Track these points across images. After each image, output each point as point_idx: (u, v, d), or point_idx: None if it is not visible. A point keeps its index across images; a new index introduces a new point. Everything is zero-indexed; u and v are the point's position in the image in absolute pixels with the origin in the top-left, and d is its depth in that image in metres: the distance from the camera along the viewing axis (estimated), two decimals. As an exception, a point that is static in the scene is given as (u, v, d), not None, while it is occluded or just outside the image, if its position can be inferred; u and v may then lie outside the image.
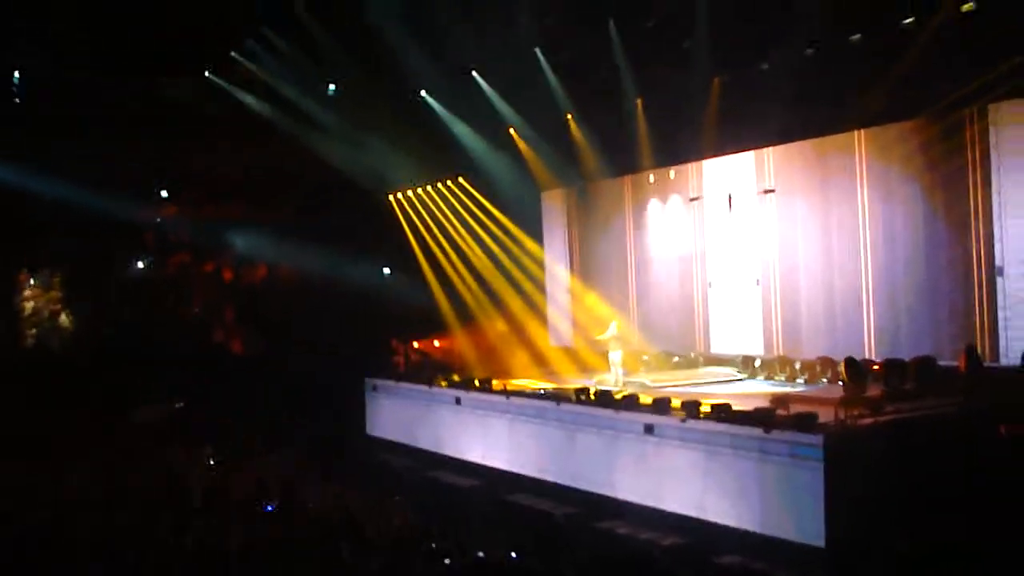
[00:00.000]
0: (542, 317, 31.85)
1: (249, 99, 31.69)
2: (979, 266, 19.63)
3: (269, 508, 18.94)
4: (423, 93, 30.85)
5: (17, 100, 31.12)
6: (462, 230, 33.10)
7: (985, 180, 19.45)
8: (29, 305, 33.06)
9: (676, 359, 27.86)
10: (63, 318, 33.17)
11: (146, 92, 31.55)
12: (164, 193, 34.83)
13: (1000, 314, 19.29)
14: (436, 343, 33.60)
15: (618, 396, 21.79)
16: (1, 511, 19.01)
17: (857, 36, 22.13)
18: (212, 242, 34.89)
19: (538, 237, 31.99)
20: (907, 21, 21.14)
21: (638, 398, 21.26)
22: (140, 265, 35.06)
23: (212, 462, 25.55)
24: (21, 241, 32.34)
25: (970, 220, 19.75)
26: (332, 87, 31.80)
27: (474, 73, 29.60)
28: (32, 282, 33.21)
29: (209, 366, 32.48)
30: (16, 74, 30.79)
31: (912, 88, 20.54)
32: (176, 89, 31.69)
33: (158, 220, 34.89)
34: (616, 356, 25.25)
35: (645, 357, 28.21)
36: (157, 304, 34.59)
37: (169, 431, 29.66)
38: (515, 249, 32.06)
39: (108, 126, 31.18)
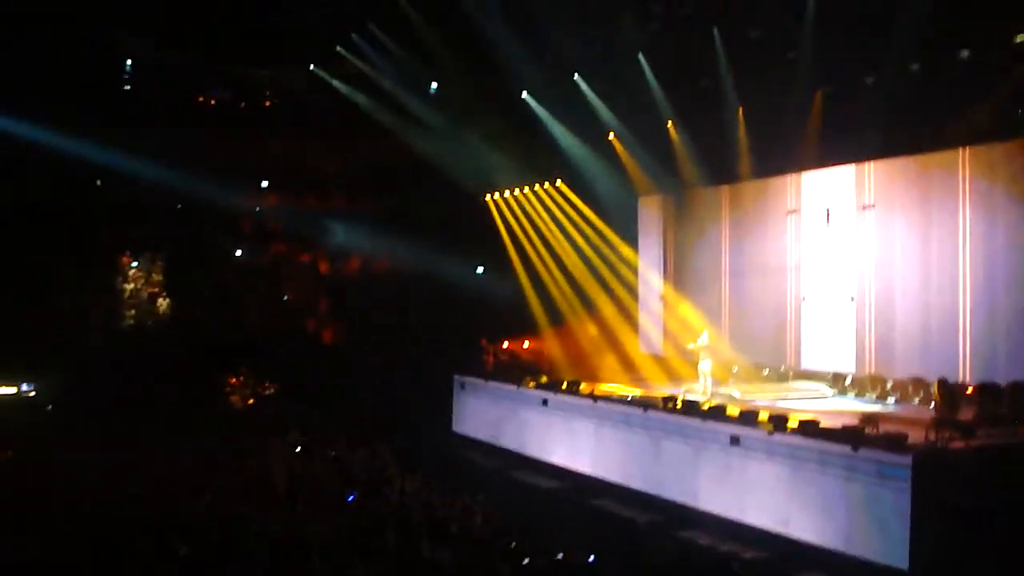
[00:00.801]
0: (633, 323, 31.78)
1: (352, 93, 32.04)
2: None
3: (351, 498, 19.14)
4: (525, 95, 30.96)
5: (128, 87, 31.81)
6: (558, 233, 33.17)
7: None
8: (129, 288, 33.76)
9: (766, 372, 27.63)
10: (161, 302, 33.82)
11: (252, 83, 32.09)
12: (264, 183, 35.31)
13: (1102, 342, 18.88)
14: (526, 344, 33.70)
15: (705, 406, 21.70)
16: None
17: (966, 52, 21.76)
18: (309, 233, 35.33)
19: (633, 243, 31.93)
20: (1019, 38, 20.74)
21: (725, 409, 21.15)
22: (239, 253, 35.59)
23: (298, 450, 25.83)
24: (124, 225, 33.02)
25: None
26: (434, 85, 32.06)
27: (577, 76, 29.63)
28: (134, 265, 33.89)
29: (300, 355, 32.89)
30: (128, 61, 31.47)
31: (1021, 106, 20.16)
32: (282, 80, 32.19)
33: (257, 209, 35.40)
34: (705, 366, 25.09)
35: (735, 369, 27.99)
36: (253, 292, 35.10)
37: (258, 417, 30.09)
38: (609, 254, 32.05)
39: (212, 115, 31.79)
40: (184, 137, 31.12)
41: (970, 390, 20.07)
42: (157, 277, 34.14)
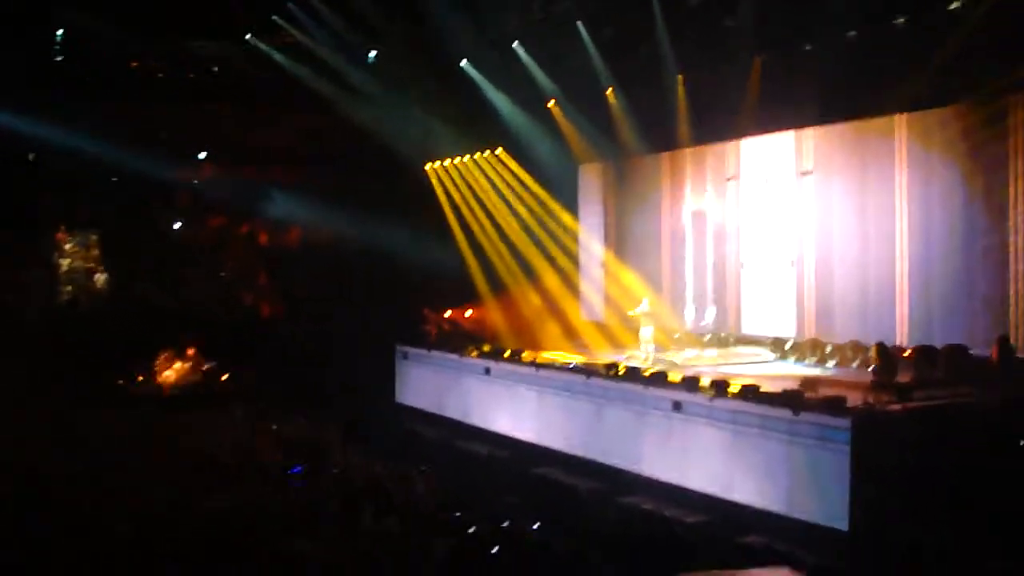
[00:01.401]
0: (575, 291, 31.86)
1: (289, 63, 31.71)
2: (1016, 256, 19.47)
3: (295, 470, 19.07)
4: (464, 63, 30.81)
5: (59, 58, 31.25)
6: (498, 201, 33.11)
7: (1026, 169, 19.29)
8: (66, 263, 33.28)
9: (707, 338, 27.81)
10: (98, 277, 33.40)
11: (187, 53, 31.68)
12: (202, 155, 34.93)
13: (1035, 305, 19.17)
14: (468, 313, 33.66)
15: (647, 372, 21.81)
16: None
17: (902, 19, 21.90)
18: (248, 205, 35.01)
19: (574, 210, 31.97)
20: (954, 5, 20.90)
21: (667, 375, 21.25)
22: (176, 226, 35.20)
23: (240, 424, 25.69)
24: (60, 199, 32.53)
25: (1009, 209, 19.59)
26: (372, 54, 31.81)
27: (515, 44, 29.52)
28: (70, 241, 33.42)
29: (240, 329, 32.66)
30: (59, 32, 30.91)
31: (956, 73, 20.32)
32: (217, 51, 31.79)
33: (195, 182, 35.03)
34: (647, 332, 25.20)
35: (676, 335, 28.17)
36: (191, 265, 34.75)
37: (198, 392, 29.89)
38: (550, 222, 32.05)
39: (148, 87, 31.36)
40: (119, 109, 30.69)
41: (907, 353, 20.29)
42: (94, 252, 33.67)
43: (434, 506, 17.38)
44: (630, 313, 25.99)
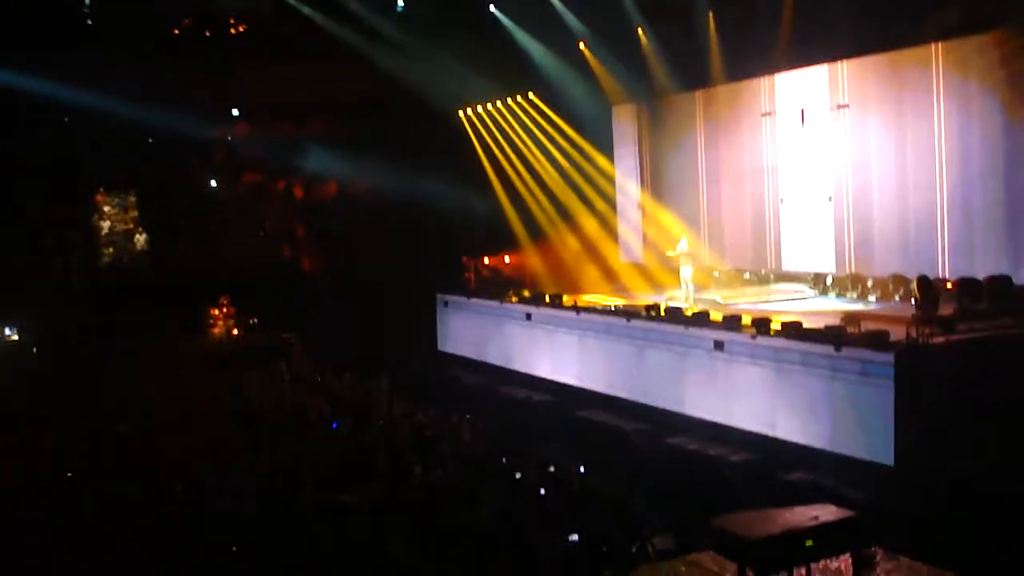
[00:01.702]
0: (613, 233, 31.81)
1: (320, 17, 31.63)
2: (1059, 184, 19.27)
3: (335, 425, 19.23)
4: (493, 8, 30.62)
5: (89, 21, 31.31)
6: (532, 147, 33.01)
7: (1066, 94, 19.02)
8: (106, 225, 33.51)
9: (747, 276, 27.76)
10: (138, 238, 33.63)
11: (219, 10, 31.64)
12: (235, 112, 35.00)
13: (1080, 233, 18.98)
14: (507, 259, 33.70)
15: (688, 313, 21.84)
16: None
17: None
18: (283, 160, 35.07)
19: (609, 153, 31.83)
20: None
21: (708, 315, 21.28)
22: (213, 184, 35.34)
23: (286, 379, 25.90)
24: (97, 162, 32.69)
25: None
26: (401, 3, 31.68)
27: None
28: (109, 203, 33.61)
29: (281, 284, 32.85)
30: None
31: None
32: (249, 7, 31.74)
33: (230, 139, 35.12)
34: (687, 272, 25.19)
35: (716, 274, 28.13)
36: (229, 223, 34.92)
37: (242, 349, 30.12)
38: (586, 165, 31.95)
39: (179, 46, 31.37)
40: (151, 70, 30.72)
41: (949, 285, 20.17)
42: (133, 213, 33.88)
43: (480, 453, 17.52)
44: (669, 253, 25.96)
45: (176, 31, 31.68)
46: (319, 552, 12.36)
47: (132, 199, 33.74)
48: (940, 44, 21.40)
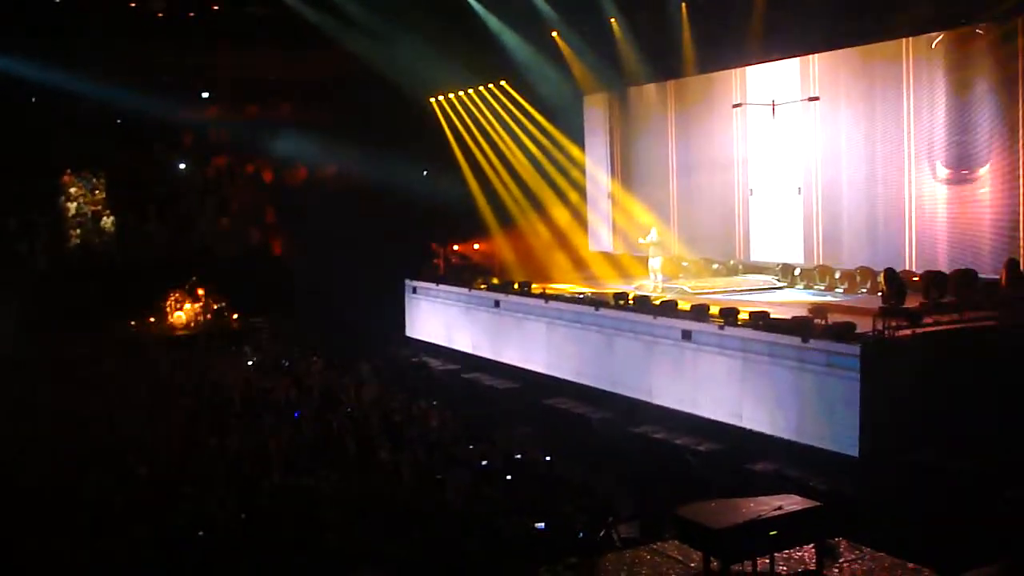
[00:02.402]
0: (583, 222, 31.83)
1: (291, 0, 31.42)
2: (1025, 178, 19.40)
3: (296, 415, 19.16)
4: (466, -6, 30.54)
5: (57, 0, 30.99)
6: (504, 134, 32.96)
7: (1035, 90, 19.13)
8: (73, 206, 33.23)
9: (716, 266, 27.85)
10: (105, 220, 33.37)
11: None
12: (205, 94, 34.78)
13: (1045, 227, 19.12)
14: (476, 246, 33.68)
15: (656, 302, 21.87)
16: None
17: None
18: (252, 143, 34.90)
19: (580, 142, 31.85)
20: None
21: (676, 304, 21.33)
22: (182, 166, 35.12)
23: (252, 363, 25.82)
24: (65, 143, 32.39)
25: (1018, 130, 19.45)
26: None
27: (517, -26, 29.23)
28: (76, 184, 33.30)
29: (250, 267, 32.70)
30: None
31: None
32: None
33: (198, 121, 34.91)
34: (655, 262, 25.27)
35: (685, 263, 28.22)
36: (198, 205, 34.72)
37: (210, 332, 30.00)
38: (556, 154, 31.93)
39: (149, 26, 31.11)
40: (120, 51, 30.48)
41: (916, 278, 20.31)
42: (100, 195, 33.61)
43: (447, 439, 17.54)
44: (640, 241, 25.97)
45: (145, 12, 31.30)
46: (285, 536, 12.34)
47: (100, 180, 33.47)
48: (911, 39, 21.51)
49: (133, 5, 31.25)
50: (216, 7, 31.79)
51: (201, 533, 12.55)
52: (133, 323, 30.44)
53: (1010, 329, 16.87)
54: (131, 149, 33.46)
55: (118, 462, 15.61)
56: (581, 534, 12.82)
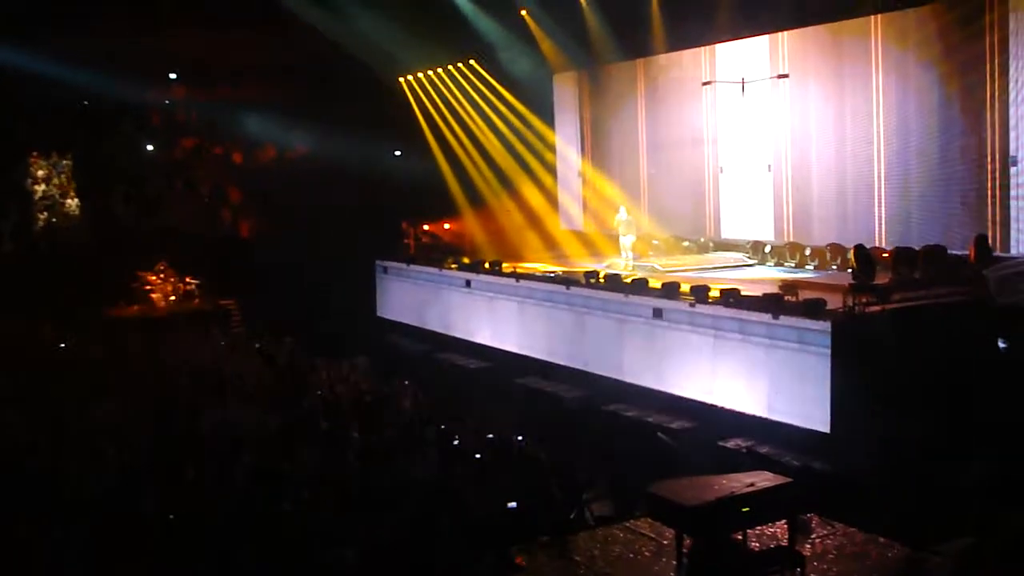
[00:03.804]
0: (553, 201, 31.81)
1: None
2: (993, 156, 19.48)
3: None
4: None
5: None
6: (474, 113, 32.87)
7: (1003, 68, 19.17)
8: (40, 189, 32.85)
9: (687, 244, 27.89)
10: (70, 202, 33.02)
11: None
12: (173, 75, 34.49)
13: (1012, 204, 19.19)
14: (446, 226, 33.61)
15: (628, 280, 21.87)
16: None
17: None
18: (221, 124, 34.65)
19: (550, 121, 31.80)
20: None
21: (647, 282, 21.35)
22: (149, 148, 34.82)
23: (223, 344, 25.70)
24: (30, 125, 32.06)
25: (985, 109, 19.54)
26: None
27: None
28: (42, 167, 32.91)
29: (220, 248, 32.50)
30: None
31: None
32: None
33: (166, 102, 34.63)
34: (627, 240, 25.27)
35: (656, 241, 28.25)
36: (167, 187, 34.45)
37: (181, 314, 29.84)
38: (527, 133, 31.86)
39: (116, 8, 30.79)
40: (86, 32, 30.17)
41: (886, 255, 20.40)
42: (66, 177, 33.25)
43: (419, 419, 17.51)
44: (618, 218, 25.86)
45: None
46: (256, 517, 12.29)
47: (66, 163, 33.12)
48: (880, 16, 21.56)
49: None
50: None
51: (172, 516, 12.48)
52: (101, 306, 30.17)
53: (978, 304, 16.95)
54: (98, 130, 33.13)
55: (88, 445, 15.49)
56: (555, 512, 12.84)
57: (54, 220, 32.79)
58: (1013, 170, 19.13)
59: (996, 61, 19.30)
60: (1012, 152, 19.14)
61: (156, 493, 13.08)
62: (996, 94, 19.31)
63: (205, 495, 13.12)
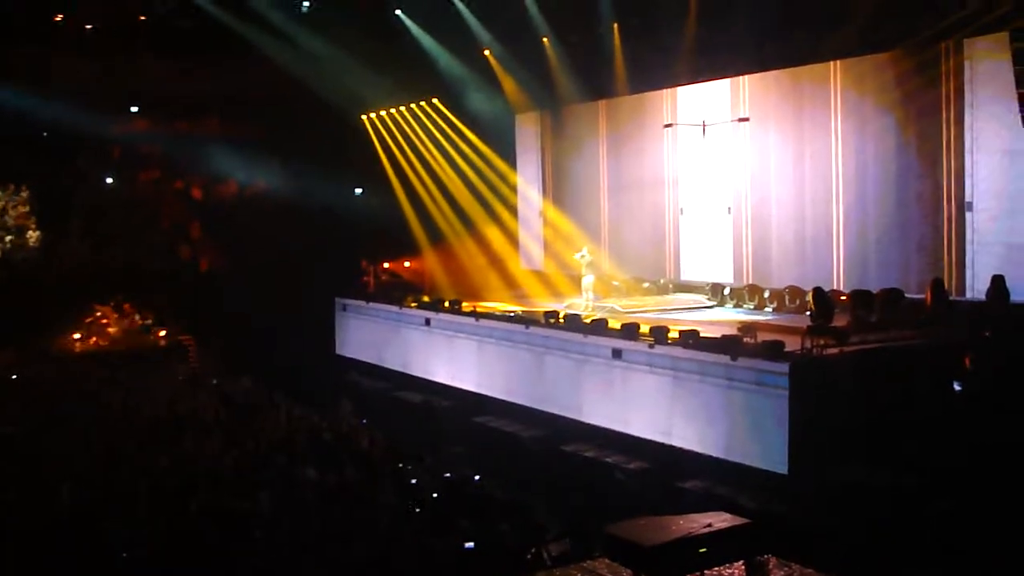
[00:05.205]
0: (514, 240, 31.84)
1: (222, 14, 31.10)
2: (949, 201, 19.75)
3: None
4: (399, 12, 30.44)
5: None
6: (435, 152, 32.86)
7: (958, 115, 19.48)
8: (-5, 219, 32.52)
9: (646, 285, 27.95)
10: (31, 234, 32.70)
11: (119, 6, 30.97)
12: (134, 108, 34.32)
13: (968, 249, 19.44)
14: (406, 264, 33.57)
15: (587, 320, 21.89)
16: None
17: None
18: (181, 158, 34.47)
19: (512, 160, 31.88)
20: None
21: (607, 323, 21.38)
22: (109, 180, 34.58)
23: (181, 382, 25.49)
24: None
25: (941, 155, 19.83)
26: (306, 4, 31.31)
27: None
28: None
29: (178, 284, 32.27)
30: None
31: (889, 20, 20.43)
32: (149, 3, 31.13)
33: (127, 136, 34.42)
34: (587, 281, 25.31)
35: (616, 282, 28.28)
36: (126, 220, 34.18)
37: (137, 349, 29.57)
38: (488, 172, 31.90)
39: (79, 39, 30.67)
40: (45, 63, 30.03)
41: (844, 297, 20.54)
42: (25, 208, 32.94)
43: (376, 457, 17.42)
44: (577, 256, 25.90)
45: (72, 24, 30.83)
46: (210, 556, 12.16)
47: (24, 195, 32.81)
48: (839, 62, 21.83)
49: (59, 19, 30.76)
50: (143, 18, 31.38)
51: (125, 555, 12.33)
52: (57, 339, 29.87)
53: (933, 348, 17.09)
54: (57, 162, 32.87)
55: (41, 481, 15.29)
56: (511, 552, 12.77)
57: (10, 251, 32.42)
58: (968, 215, 19.36)
59: (952, 108, 19.60)
60: (968, 198, 19.39)
61: (107, 529, 12.92)
62: (952, 140, 19.60)
63: (157, 534, 12.96)
